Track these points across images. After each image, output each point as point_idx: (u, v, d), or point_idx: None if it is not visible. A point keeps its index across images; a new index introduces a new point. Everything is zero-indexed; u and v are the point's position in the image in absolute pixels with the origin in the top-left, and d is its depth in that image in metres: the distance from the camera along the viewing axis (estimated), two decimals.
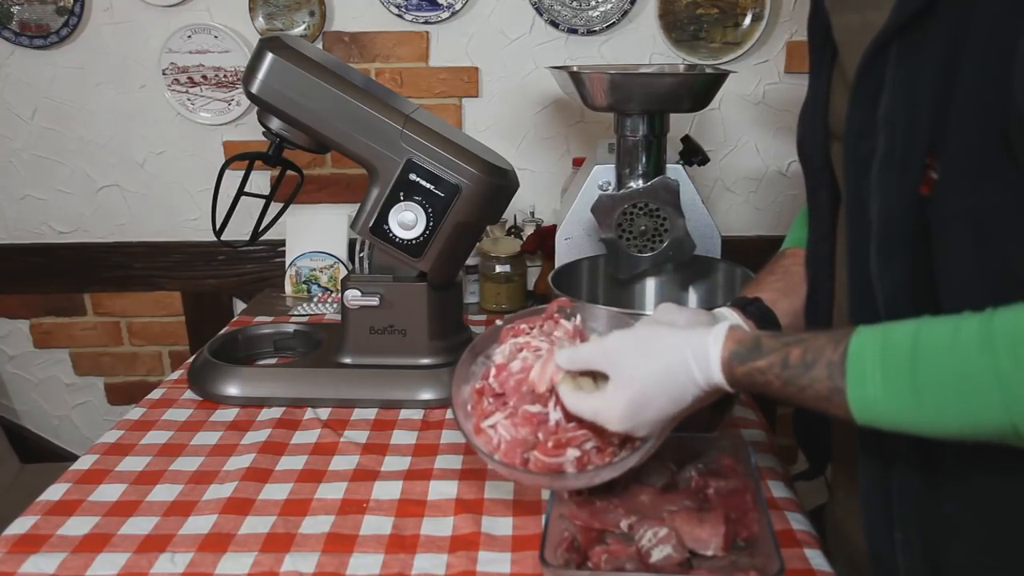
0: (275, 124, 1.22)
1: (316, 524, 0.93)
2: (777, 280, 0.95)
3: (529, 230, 1.76)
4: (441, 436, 1.14)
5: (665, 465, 0.89)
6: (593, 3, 1.74)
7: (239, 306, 1.95)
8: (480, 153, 1.22)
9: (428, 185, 1.19)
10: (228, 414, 1.21)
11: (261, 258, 1.91)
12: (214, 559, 0.87)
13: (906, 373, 0.61)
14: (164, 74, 1.80)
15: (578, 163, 1.69)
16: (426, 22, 1.76)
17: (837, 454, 0.94)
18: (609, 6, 1.73)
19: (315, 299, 1.72)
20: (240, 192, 1.26)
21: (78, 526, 0.93)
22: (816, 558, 0.85)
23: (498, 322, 0.86)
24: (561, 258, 1.42)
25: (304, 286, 1.78)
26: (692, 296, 1.39)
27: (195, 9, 1.78)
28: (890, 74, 0.67)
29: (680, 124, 1.73)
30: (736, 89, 1.77)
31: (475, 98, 1.82)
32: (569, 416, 0.77)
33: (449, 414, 1.18)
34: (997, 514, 0.70)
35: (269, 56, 1.16)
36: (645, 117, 1.28)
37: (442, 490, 1.00)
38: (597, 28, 1.74)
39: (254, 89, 1.17)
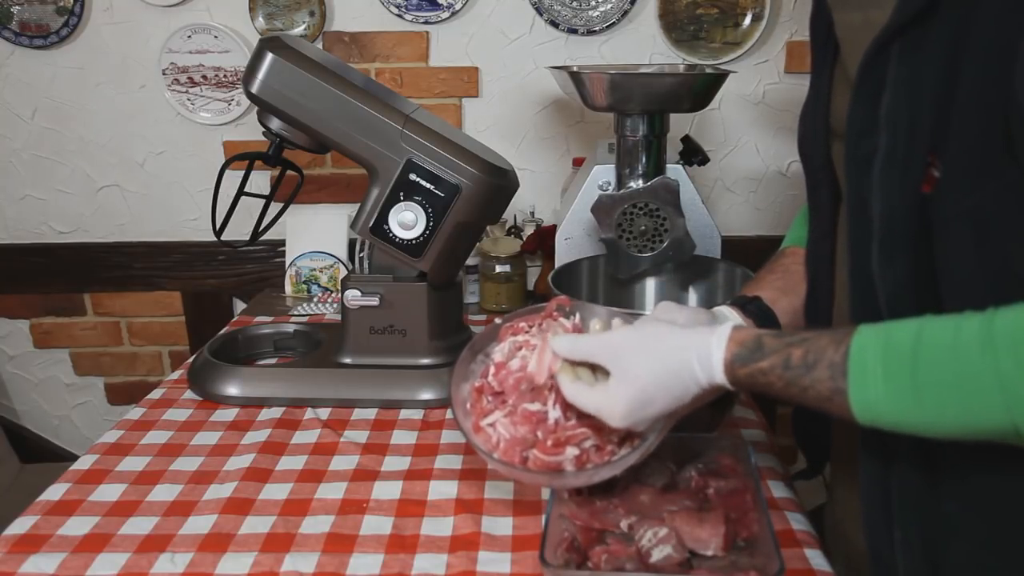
0: (275, 124, 1.22)
1: (316, 524, 0.93)
2: (777, 279, 0.95)
3: (529, 230, 1.76)
4: (441, 436, 1.14)
5: (665, 465, 0.89)
6: (593, 3, 1.74)
7: (239, 306, 1.95)
8: (480, 153, 1.22)
9: (428, 185, 1.19)
10: (228, 414, 1.21)
11: (261, 258, 1.91)
12: (214, 559, 0.87)
13: (907, 373, 0.61)
14: (164, 74, 1.80)
15: (578, 163, 1.69)
16: (426, 22, 1.76)
17: (836, 453, 0.94)
18: (609, 6, 1.73)
19: (315, 299, 1.72)
20: (240, 192, 1.26)
21: (78, 526, 0.93)
22: (816, 558, 0.85)
23: (497, 320, 0.86)
24: (561, 258, 1.42)
25: (304, 286, 1.78)
26: (692, 296, 1.39)
27: (195, 9, 1.78)
28: (892, 73, 0.67)
29: (680, 124, 1.73)
30: (736, 89, 1.77)
31: (475, 98, 1.82)
32: (568, 414, 0.77)
33: (449, 414, 1.18)
34: (997, 513, 0.70)
35: (269, 56, 1.16)
36: (645, 117, 1.28)
37: (442, 490, 1.00)
38: (597, 28, 1.74)
39: (254, 89, 1.17)
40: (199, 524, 0.93)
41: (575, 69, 1.31)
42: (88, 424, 2.05)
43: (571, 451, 0.77)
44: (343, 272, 1.77)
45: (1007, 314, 0.58)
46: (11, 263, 1.92)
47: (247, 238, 1.32)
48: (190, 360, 1.38)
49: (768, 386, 0.69)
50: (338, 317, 1.48)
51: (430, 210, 1.20)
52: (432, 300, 1.25)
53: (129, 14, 1.79)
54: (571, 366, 0.76)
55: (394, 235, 1.21)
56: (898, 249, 0.68)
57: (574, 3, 1.74)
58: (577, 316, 0.84)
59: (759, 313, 0.89)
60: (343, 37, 1.79)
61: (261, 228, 1.32)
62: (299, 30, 1.77)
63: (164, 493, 1.00)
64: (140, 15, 1.79)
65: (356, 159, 1.21)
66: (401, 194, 1.19)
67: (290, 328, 1.45)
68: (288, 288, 1.78)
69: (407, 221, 1.20)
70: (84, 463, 1.08)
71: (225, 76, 1.80)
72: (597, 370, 0.76)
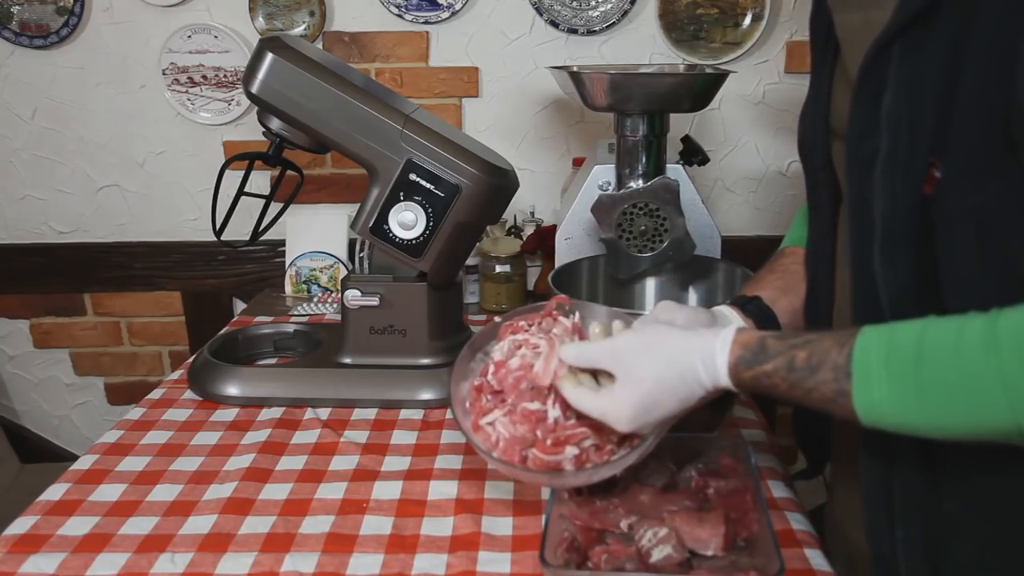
0: (275, 124, 1.22)
1: (316, 524, 0.93)
2: (777, 279, 0.95)
3: (529, 230, 1.76)
4: (441, 436, 1.14)
5: (665, 465, 0.89)
6: (593, 3, 1.74)
7: (239, 306, 1.95)
8: (480, 153, 1.22)
9: (428, 185, 1.19)
10: (228, 414, 1.21)
11: (261, 258, 1.91)
12: (214, 559, 0.87)
13: (911, 375, 0.61)
14: (164, 74, 1.80)
15: (578, 163, 1.69)
16: (426, 22, 1.76)
17: (837, 453, 0.94)
18: (609, 6, 1.73)
19: (315, 299, 1.72)
20: (240, 192, 1.26)
21: (78, 526, 0.93)
22: (816, 558, 0.85)
23: (497, 319, 0.86)
24: (561, 258, 1.42)
25: (304, 286, 1.78)
26: (692, 296, 1.39)
27: (195, 9, 1.78)
28: (893, 74, 0.67)
29: (680, 124, 1.73)
30: (736, 89, 1.77)
31: (475, 98, 1.82)
32: (568, 414, 0.77)
33: (449, 414, 1.18)
34: (999, 513, 0.70)
35: (269, 56, 1.16)
36: (645, 117, 1.28)
37: (442, 490, 1.00)
38: (597, 28, 1.74)
39: (254, 89, 1.17)
40: (199, 524, 0.93)
41: (575, 69, 1.31)
42: (88, 424, 2.05)
43: (571, 450, 0.77)
44: (343, 272, 1.77)
45: (1011, 315, 0.59)
46: (11, 263, 1.92)
47: (247, 238, 1.32)
48: (190, 360, 1.38)
49: (772, 388, 0.69)
50: (338, 317, 1.48)
51: (430, 210, 1.20)
52: (432, 300, 1.25)
53: (129, 14, 1.79)
54: (572, 372, 0.76)
55: (394, 235, 1.21)
56: (900, 249, 0.68)
57: (574, 3, 1.74)
58: (577, 315, 0.84)
59: (759, 313, 0.89)
60: (343, 37, 1.79)
61: (261, 228, 1.32)
62: (299, 30, 1.77)
63: (164, 493, 1.00)
64: (140, 15, 1.79)
65: (356, 159, 1.21)
66: (401, 194, 1.19)
67: (290, 328, 1.45)
68: (288, 288, 1.78)
69: (407, 221, 1.20)
70: (84, 463, 1.08)
71: (225, 76, 1.80)
72: (600, 375, 0.76)
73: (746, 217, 1.87)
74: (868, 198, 0.70)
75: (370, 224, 1.22)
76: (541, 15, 1.74)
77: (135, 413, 1.22)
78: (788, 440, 1.06)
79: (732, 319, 0.87)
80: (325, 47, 1.78)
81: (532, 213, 1.83)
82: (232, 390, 1.24)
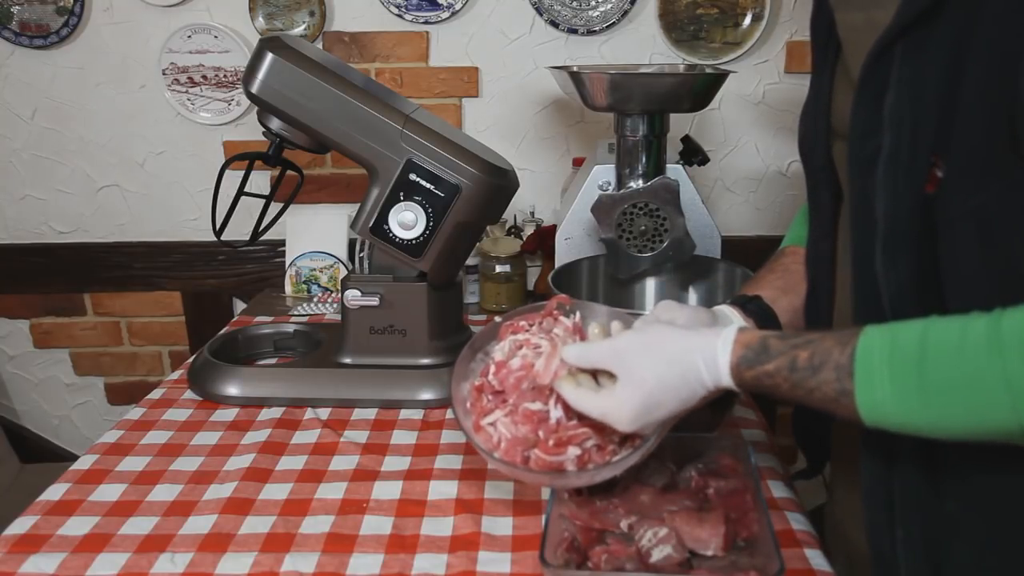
0: (275, 124, 1.22)
1: (316, 524, 0.93)
2: (777, 278, 0.95)
3: (529, 230, 1.76)
4: (441, 436, 1.14)
5: (665, 465, 0.89)
6: (593, 3, 1.74)
7: (239, 306, 1.95)
8: (480, 153, 1.22)
9: (428, 185, 1.19)
10: (228, 414, 1.21)
11: (261, 258, 1.91)
12: (214, 559, 0.87)
13: (914, 375, 0.61)
14: (164, 74, 1.80)
15: (578, 163, 1.69)
16: (426, 22, 1.76)
17: (837, 453, 0.94)
18: (609, 6, 1.73)
19: (315, 299, 1.72)
20: (240, 192, 1.26)
21: (78, 526, 0.93)
22: (816, 558, 0.85)
23: (497, 319, 0.86)
24: (561, 258, 1.42)
25: (304, 286, 1.78)
26: (692, 296, 1.39)
27: (195, 9, 1.78)
28: (895, 74, 0.67)
29: (680, 124, 1.73)
30: (736, 89, 1.77)
31: (475, 98, 1.82)
32: (570, 414, 0.77)
33: (449, 414, 1.19)
34: (999, 513, 0.70)
35: (269, 56, 1.16)
36: (645, 117, 1.28)
37: (442, 490, 1.00)
38: (597, 28, 1.74)
39: (254, 89, 1.17)
40: (199, 524, 0.93)
41: (575, 69, 1.31)
42: (88, 424, 2.05)
43: (573, 451, 0.77)
44: (343, 272, 1.77)
45: (1014, 315, 0.59)
46: (11, 263, 1.92)
47: (247, 238, 1.32)
48: (190, 360, 1.38)
49: (774, 388, 0.69)
50: (338, 317, 1.48)
51: (430, 210, 1.20)
52: (432, 300, 1.25)
53: (129, 14, 1.79)
54: (571, 374, 0.76)
55: (394, 235, 1.21)
56: (902, 249, 0.68)
57: (574, 3, 1.74)
58: (577, 315, 0.84)
59: (759, 312, 0.89)
60: (343, 37, 1.79)
61: (261, 228, 1.32)
62: (299, 30, 1.77)
63: (164, 493, 1.00)
64: (140, 15, 1.79)
65: (356, 159, 1.21)
66: (401, 194, 1.19)
67: (290, 328, 1.45)
68: (288, 288, 1.78)
69: (407, 221, 1.20)
70: (84, 463, 1.08)
71: (225, 76, 1.80)
72: (600, 375, 0.76)
73: (746, 217, 1.87)
74: (870, 198, 0.70)
75: (370, 224, 1.22)
76: (541, 15, 1.74)
77: (135, 413, 1.22)
78: (788, 440, 1.06)
79: (733, 319, 0.87)
80: (325, 47, 1.78)
81: (532, 213, 1.83)
82: (232, 390, 1.24)
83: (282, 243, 1.82)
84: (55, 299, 1.95)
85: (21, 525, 0.94)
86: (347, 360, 1.27)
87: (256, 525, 0.93)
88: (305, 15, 1.77)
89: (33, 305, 1.96)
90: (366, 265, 1.26)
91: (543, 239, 1.70)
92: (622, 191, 1.27)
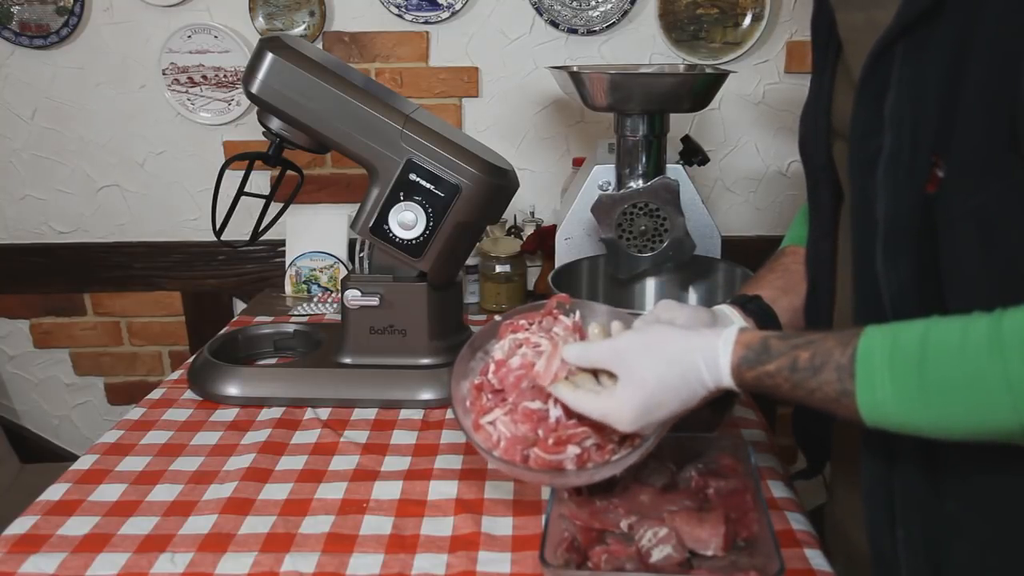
0: (275, 124, 1.22)
1: (316, 524, 0.93)
2: (777, 278, 0.95)
3: (529, 230, 1.76)
4: (441, 436, 1.14)
5: (665, 465, 0.89)
6: (593, 3, 1.74)
7: (239, 306, 1.95)
8: (480, 153, 1.22)
9: (428, 185, 1.19)
10: (228, 414, 1.21)
11: (261, 258, 1.91)
12: (214, 559, 0.87)
13: (915, 375, 0.61)
14: (164, 74, 1.80)
15: (578, 163, 1.69)
16: (426, 22, 1.76)
17: (837, 453, 0.94)
18: (609, 6, 1.73)
19: (315, 299, 1.72)
20: (240, 192, 1.26)
21: (78, 526, 0.93)
22: (816, 558, 0.85)
23: (497, 318, 0.86)
24: (561, 258, 1.42)
25: (304, 286, 1.78)
26: (692, 296, 1.39)
27: (195, 9, 1.78)
28: (896, 74, 0.67)
29: (680, 124, 1.73)
30: (736, 89, 1.77)
31: (475, 98, 1.82)
32: (569, 413, 0.77)
33: (449, 414, 1.18)
34: (1000, 513, 0.70)
35: (269, 56, 1.16)
36: (645, 117, 1.28)
37: (442, 490, 1.00)
38: (597, 28, 1.74)
39: (254, 89, 1.17)
40: (199, 524, 0.93)
41: (575, 69, 1.31)
42: (88, 424, 2.05)
43: (572, 450, 0.77)
44: (343, 272, 1.77)
45: (1015, 315, 0.59)
46: (11, 263, 1.92)
47: (247, 238, 1.32)
48: (190, 360, 1.38)
49: (775, 388, 0.69)
50: (338, 317, 1.48)
51: (430, 210, 1.20)
52: (432, 300, 1.25)
53: (129, 14, 1.79)
54: (570, 375, 0.76)
55: (394, 235, 1.21)
56: (902, 249, 0.68)
57: (574, 3, 1.74)
58: (577, 314, 0.84)
59: (759, 312, 0.89)
60: (343, 37, 1.79)
61: (261, 228, 1.32)
62: (299, 30, 1.77)
63: (164, 493, 1.00)
64: (140, 15, 1.79)
65: (356, 159, 1.21)
66: (401, 194, 1.19)
67: (290, 328, 1.45)
68: (288, 288, 1.78)
69: (407, 221, 1.20)
70: (84, 463, 1.08)
71: (225, 76, 1.80)
72: (600, 374, 0.76)
73: (746, 217, 1.87)
74: (871, 198, 0.70)
75: (370, 224, 1.22)
76: (541, 15, 1.74)
77: (135, 413, 1.22)
78: (788, 440, 1.06)
79: (733, 318, 0.87)
80: (325, 47, 1.78)
81: (532, 213, 1.83)
82: (232, 390, 1.24)
83: (282, 243, 1.82)
84: (55, 299, 1.95)
85: (21, 525, 0.94)
86: (347, 360, 1.27)
87: (256, 525, 0.93)
88: (305, 15, 1.77)
89: (33, 305, 1.96)
90: (366, 265, 1.26)
91: (543, 239, 1.70)
92: (622, 191, 1.27)
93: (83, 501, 0.99)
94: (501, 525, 0.93)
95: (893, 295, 0.69)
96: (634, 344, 0.74)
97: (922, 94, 0.65)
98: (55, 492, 1.01)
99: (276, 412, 1.21)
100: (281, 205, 1.37)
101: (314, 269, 1.78)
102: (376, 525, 0.93)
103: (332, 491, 1.00)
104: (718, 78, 1.30)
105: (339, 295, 1.50)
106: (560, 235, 1.43)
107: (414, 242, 1.21)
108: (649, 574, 0.75)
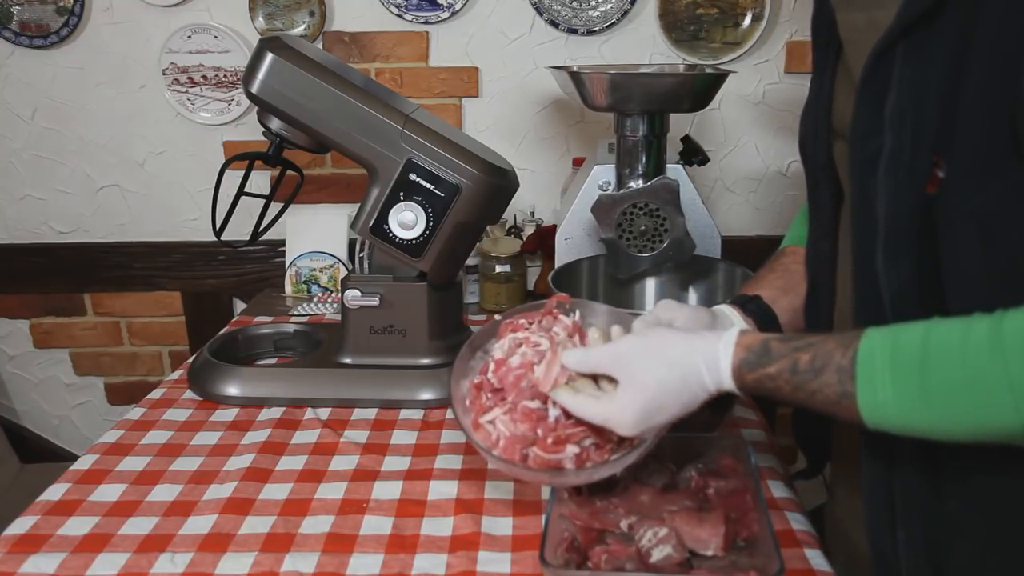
0: (275, 124, 1.22)
1: (316, 524, 0.93)
2: (777, 278, 0.95)
3: (529, 230, 1.76)
4: (441, 436, 1.14)
5: (665, 465, 0.89)
6: (593, 3, 1.74)
7: (239, 306, 1.95)
8: (480, 153, 1.22)
9: (428, 185, 1.19)
10: (228, 414, 1.21)
11: (261, 258, 1.90)
12: (214, 559, 0.87)
13: (916, 377, 0.61)
14: (164, 74, 1.80)
15: (578, 163, 1.69)
16: (426, 22, 1.76)
17: (837, 453, 0.94)
18: (609, 6, 1.73)
19: (315, 299, 1.72)
20: (240, 192, 1.26)
21: (78, 526, 0.93)
22: (816, 558, 0.85)
23: (496, 317, 0.86)
24: (561, 258, 1.42)
25: (304, 286, 1.78)
26: (692, 296, 1.39)
27: (195, 9, 1.78)
28: (896, 74, 0.67)
29: (680, 124, 1.73)
30: (736, 89, 1.77)
31: (475, 98, 1.82)
32: (569, 413, 0.77)
33: (449, 414, 1.18)
34: (1000, 514, 0.70)
35: (269, 56, 1.16)
36: (645, 117, 1.28)
37: (442, 490, 1.00)
38: (597, 28, 1.74)
39: (254, 89, 1.17)
40: (199, 524, 0.93)
41: (575, 69, 1.31)
42: (88, 424, 2.05)
43: (571, 449, 0.77)
44: (343, 272, 1.77)
45: (1016, 316, 0.59)
46: (11, 263, 1.92)
47: (247, 238, 1.32)
48: (190, 360, 1.38)
49: (776, 390, 0.69)
50: (338, 317, 1.48)
51: (430, 210, 1.20)
52: (432, 300, 1.25)
53: (129, 14, 1.79)
54: (570, 381, 0.76)
55: (394, 235, 1.21)
56: (902, 249, 0.68)
57: (574, 3, 1.74)
58: (577, 313, 0.84)
59: (759, 312, 0.89)
60: (343, 37, 1.79)
61: (261, 228, 1.32)
62: (299, 30, 1.77)
63: (164, 493, 1.00)
64: (140, 15, 1.79)
65: (356, 159, 1.21)
66: (401, 194, 1.19)
67: (290, 328, 1.45)
68: (288, 288, 1.78)
69: (407, 221, 1.20)
70: (84, 463, 1.08)
71: (225, 76, 1.80)
72: (600, 379, 0.76)
73: (746, 217, 1.87)
74: (871, 197, 0.70)
75: (370, 224, 1.22)
76: (541, 15, 1.74)
77: (135, 413, 1.22)
78: (788, 440, 1.06)
79: (732, 318, 0.87)
80: (325, 47, 1.78)
81: (532, 213, 1.83)
82: (232, 390, 1.24)
83: (282, 243, 1.82)
84: (55, 299, 1.95)
85: (21, 525, 0.94)
86: (347, 360, 1.27)
87: (256, 525, 0.93)
88: (305, 15, 1.77)
89: (33, 305, 1.96)
90: (366, 265, 1.26)
91: (543, 239, 1.70)
92: (622, 191, 1.27)
93: (83, 501, 0.99)
94: (501, 525, 0.93)
95: (893, 295, 0.69)
96: (634, 348, 0.74)
97: (923, 94, 0.65)
98: (55, 492, 1.01)
99: (276, 412, 1.21)
100: (281, 205, 1.37)
101: (314, 269, 1.78)
102: (376, 525, 0.93)
103: (332, 491, 1.00)
104: (718, 78, 1.30)
105: (339, 295, 1.50)
106: (560, 235, 1.43)
107: (414, 242, 1.21)
108: (649, 574, 0.75)
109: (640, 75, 1.41)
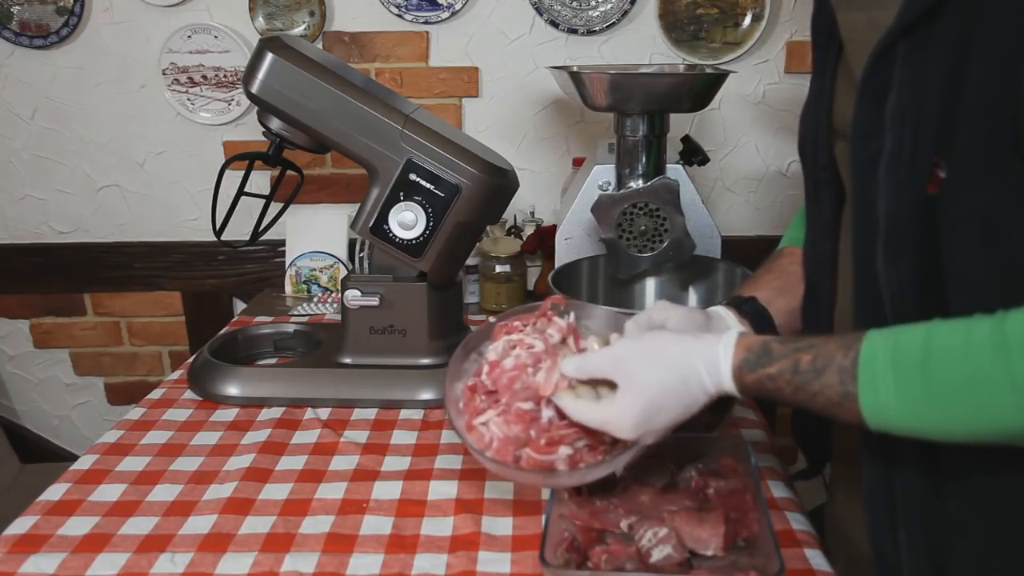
0: (275, 124, 1.22)
1: (316, 524, 0.93)
2: (774, 279, 0.95)
3: (529, 230, 1.76)
4: (441, 436, 1.14)
5: (665, 465, 0.89)
6: (593, 3, 1.74)
7: (239, 306, 1.95)
8: (480, 153, 1.22)
9: (428, 185, 1.19)
10: (228, 414, 1.21)
11: (261, 258, 1.90)
12: (214, 559, 0.87)
13: (918, 378, 0.61)
14: (164, 74, 1.80)
15: (578, 163, 1.69)
16: (426, 22, 1.76)
17: (837, 454, 0.94)
18: (609, 6, 1.73)
19: (315, 299, 1.72)
20: (240, 192, 1.26)
21: (78, 526, 0.93)
22: (816, 558, 0.85)
23: (491, 319, 0.86)
24: (561, 258, 1.42)
25: (304, 286, 1.78)
26: (692, 296, 1.39)
27: (195, 9, 1.78)
28: (897, 74, 0.67)
29: (680, 124, 1.73)
30: (736, 89, 1.77)
31: (475, 98, 1.82)
32: (562, 414, 0.77)
33: None
34: (1001, 514, 0.70)
35: (269, 56, 1.16)
36: (645, 117, 1.28)
37: (442, 490, 1.00)
38: (597, 28, 1.74)
39: (254, 89, 1.17)
40: (199, 524, 0.93)
41: (575, 69, 1.31)
42: (88, 424, 2.05)
43: (564, 450, 0.77)
44: (343, 272, 1.77)
45: (1018, 316, 0.59)
46: (11, 263, 1.92)
47: (247, 238, 1.32)
48: (190, 360, 1.38)
49: (776, 392, 0.69)
50: (338, 317, 1.48)
51: (430, 210, 1.20)
52: (432, 300, 1.25)
53: (129, 14, 1.79)
54: (570, 387, 0.76)
55: (394, 235, 1.21)
56: (903, 249, 0.68)
57: (574, 3, 1.74)
58: (571, 315, 0.84)
59: (754, 313, 0.89)
60: (343, 37, 1.79)
61: (261, 228, 1.32)
62: (299, 30, 1.77)
63: (164, 493, 1.00)
64: (140, 15, 1.79)
65: (356, 159, 1.21)
66: (401, 194, 1.20)
67: (290, 328, 1.45)
68: (288, 288, 1.78)
69: (407, 221, 1.20)
70: (84, 463, 1.08)
71: (225, 76, 1.80)
72: (599, 386, 0.76)
73: (746, 217, 1.87)
74: (872, 198, 0.70)
75: (370, 224, 1.22)
76: (541, 15, 1.74)
77: (135, 413, 1.22)
78: (788, 440, 1.06)
79: (727, 320, 0.87)
80: (325, 47, 1.78)
81: (532, 213, 1.83)
82: (232, 390, 1.24)
83: (282, 243, 1.82)
84: (55, 299, 1.95)
85: (21, 525, 0.94)
86: (347, 360, 1.27)
87: (256, 525, 0.93)
88: (305, 15, 1.77)
89: (33, 305, 1.96)
90: (366, 265, 1.26)
91: (543, 239, 1.70)
92: (622, 191, 1.27)
93: (83, 501, 0.99)
94: (501, 525, 0.93)
95: (893, 295, 0.69)
96: (632, 351, 0.74)
97: (923, 94, 0.65)
98: (55, 492, 1.01)
99: (276, 412, 1.21)
100: (281, 205, 1.37)
101: (314, 269, 1.78)
102: (376, 525, 0.93)
103: (332, 491, 1.00)
104: (718, 78, 1.30)
105: (339, 295, 1.50)
106: (560, 235, 1.43)
107: (414, 242, 1.21)
108: (649, 574, 0.75)
109: (640, 75, 1.41)
